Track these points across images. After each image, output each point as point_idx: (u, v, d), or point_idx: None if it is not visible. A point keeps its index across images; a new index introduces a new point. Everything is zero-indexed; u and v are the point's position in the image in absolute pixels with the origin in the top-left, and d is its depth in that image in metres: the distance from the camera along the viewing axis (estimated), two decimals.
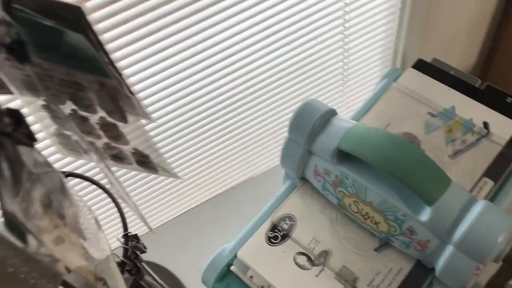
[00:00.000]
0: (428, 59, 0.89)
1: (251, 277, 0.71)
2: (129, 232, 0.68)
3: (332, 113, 0.72)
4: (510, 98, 0.81)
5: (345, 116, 0.74)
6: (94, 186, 0.86)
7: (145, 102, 0.96)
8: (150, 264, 0.83)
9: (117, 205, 0.69)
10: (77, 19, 0.36)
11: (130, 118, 0.47)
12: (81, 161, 1.00)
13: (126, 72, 0.88)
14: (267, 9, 0.94)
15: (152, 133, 1.04)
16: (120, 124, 0.48)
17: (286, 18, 0.98)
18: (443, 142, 0.77)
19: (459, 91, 0.82)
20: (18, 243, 0.33)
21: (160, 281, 0.82)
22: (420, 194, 0.61)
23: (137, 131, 0.49)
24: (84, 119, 0.50)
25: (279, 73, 1.10)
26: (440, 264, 0.63)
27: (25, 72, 0.44)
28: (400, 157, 0.62)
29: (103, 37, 0.80)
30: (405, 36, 1.17)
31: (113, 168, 0.57)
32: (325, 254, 0.71)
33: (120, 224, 0.70)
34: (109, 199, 0.73)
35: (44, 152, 0.92)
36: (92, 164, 1.01)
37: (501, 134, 0.76)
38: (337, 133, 0.68)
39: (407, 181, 0.61)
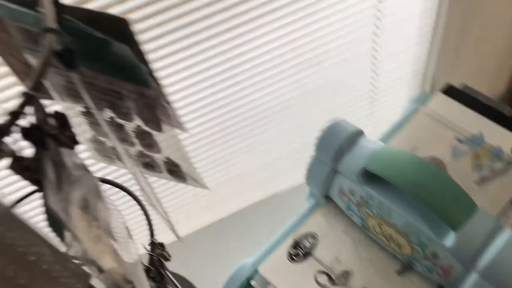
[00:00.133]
0: (456, 84, 0.88)
1: None
2: (155, 240, 0.69)
3: (359, 133, 0.72)
4: None
5: (372, 137, 0.74)
6: (121, 193, 0.88)
7: (180, 112, 0.99)
8: (172, 273, 0.84)
9: (145, 212, 0.71)
10: (123, 31, 0.38)
11: (165, 127, 0.48)
12: (105, 169, 1.03)
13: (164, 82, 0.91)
14: (299, 29, 0.96)
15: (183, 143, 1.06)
16: (154, 133, 0.50)
17: (317, 38, 1.00)
18: (470, 168, 0.76)
19: (488, 117, 0.82)
20: (55, 240, 0.35)
21: None
22: (445, 218, 0.61)
23: (170, 141, 0.50)
24: (120, 127, 0.51)
25: (308, 92, 1.11)
26: None
27: (68, 79, 0.46)
28: (427, 180, 0.62)
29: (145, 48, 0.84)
30: (435, 61, 1.17)
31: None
32: (346, 274, 0.71)
33: (143, 232, 0.72)
34: (132, 206, 0.74)
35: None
36: (113, 168, 1.03)
37: None
38: (364, 153, 0.68)
39: (433, 205, 0.61)
